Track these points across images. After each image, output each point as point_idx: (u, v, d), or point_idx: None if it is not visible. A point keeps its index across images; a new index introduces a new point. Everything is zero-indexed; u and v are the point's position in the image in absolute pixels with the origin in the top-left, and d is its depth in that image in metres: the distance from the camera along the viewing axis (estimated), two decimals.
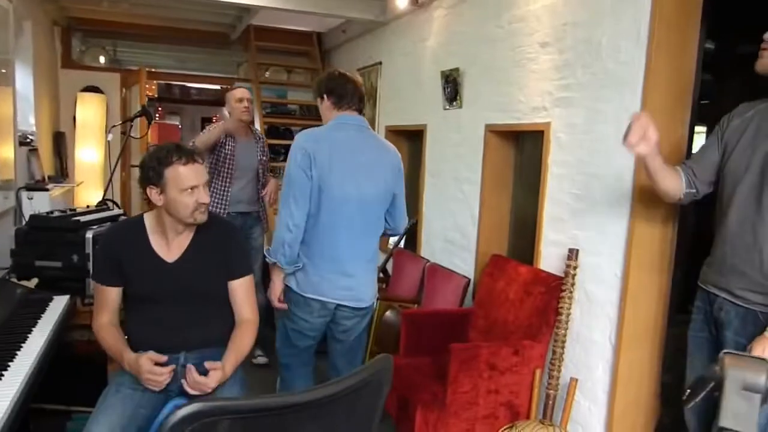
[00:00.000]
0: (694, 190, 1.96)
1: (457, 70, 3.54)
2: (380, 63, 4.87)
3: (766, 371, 1.02)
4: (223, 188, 3.61)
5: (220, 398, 0.79)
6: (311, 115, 6.20)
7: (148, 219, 2.03)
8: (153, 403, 1.90)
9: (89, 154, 4.94)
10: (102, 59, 6.31)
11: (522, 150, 3.35)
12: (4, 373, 1.70)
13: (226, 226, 2.14)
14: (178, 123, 12.80)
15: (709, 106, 3.67)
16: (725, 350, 1.14)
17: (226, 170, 3.59)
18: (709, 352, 1.95)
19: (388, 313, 3.64)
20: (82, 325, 2.61)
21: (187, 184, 1.86)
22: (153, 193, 1.91)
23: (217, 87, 9.18)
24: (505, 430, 2.46)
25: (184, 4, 4.94)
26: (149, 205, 2.04)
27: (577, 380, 2.49)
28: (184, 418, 0.79)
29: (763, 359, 1.07)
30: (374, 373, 1.05)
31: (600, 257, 2.46)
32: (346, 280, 2.30)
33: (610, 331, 2.39)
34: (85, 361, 2.94)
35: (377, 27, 4.88)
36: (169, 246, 1.99)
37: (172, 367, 1.88)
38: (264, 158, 3.80)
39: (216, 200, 3.58)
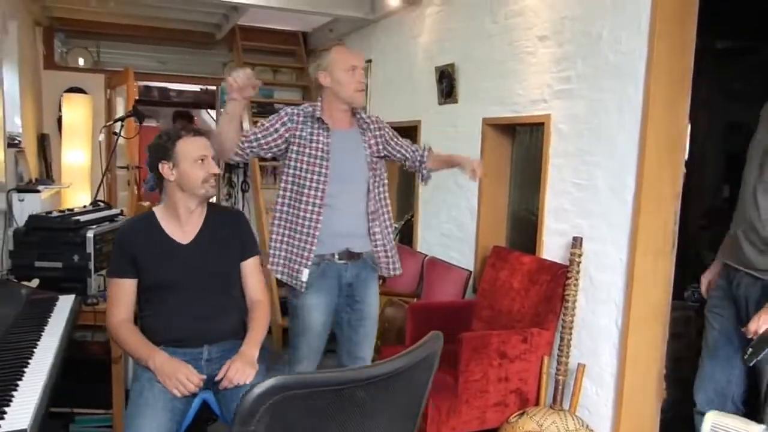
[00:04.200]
0: None
1: (452, 65, 3.58)
2: (370, 61, 4.89)
3: None
4: (305, 212, 2.25)
5: (299, 373, 0.81)
6: None
7: (159, 210, 2.08)
8: (185, 397, 1.90)
9: (76, 156, 4.87)
10: (81, 61, 6.22)
11: (518, 143, 3.40)
12: (25, 370, 1.68)
13: (231, 210, 2.26)
14: (157, 125, 12.69)
15: None
16: None
17: (311, 179, 2.25)
18: (723, 326, 2.10)
19: (388, 308, 3.66)
20: (83, 325, 2.59)
21: (198, 154, 1.95)
22: (165, 168, 1.97)
23: (197, 88, 9.17)
24: (515, 417, 2.50)
25: (170, 3, 4.90)
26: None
27: (584, 366, 2.54)
28: (268, 390, 0.80)
29: None
30: (430, 349, 1.07)
31: (604, 244, 2.51)
32: None
33: (617, 315, 2.44)
34: (87, 363, 2.92)
35: (366, 25, 4.90)
36: (183, 229, 2.03)
37: (203, 377, 1.89)
38: (376, 160, 2.39)
39: (292, 238, 2.29)
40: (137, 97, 9.36)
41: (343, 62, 2.26)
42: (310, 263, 2.25)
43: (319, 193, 2.25)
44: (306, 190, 2.26)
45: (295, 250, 2.28)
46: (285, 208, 2.32)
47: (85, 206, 3.34)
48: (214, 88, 6.39)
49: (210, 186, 1.98)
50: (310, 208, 2.25)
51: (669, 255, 2.40)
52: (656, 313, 2.41)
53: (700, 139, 4.25)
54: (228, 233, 2.07)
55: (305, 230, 2.26)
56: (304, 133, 2.27)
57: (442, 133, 3.77)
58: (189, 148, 1.94)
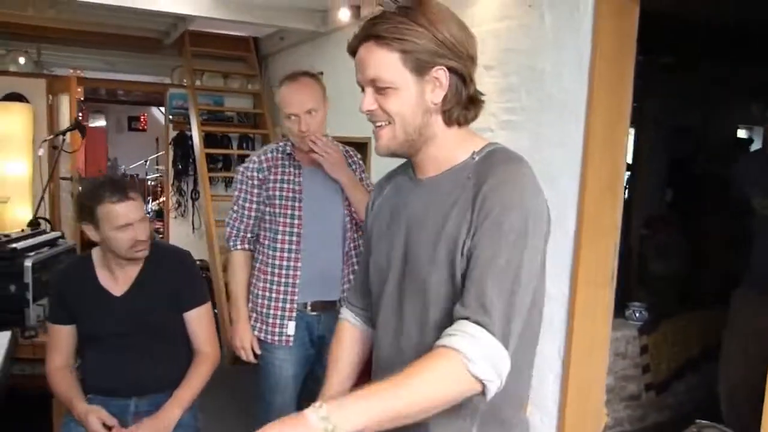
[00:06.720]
0: (368, 327, 1.39)
1: None
2: (321, 73, 4.84)
3: None
4: (282, 259, 2.15)
5: None
6: (249, 123, 6.11)
7: (96, 254, 2.00)
8: None
9: (16, 167, 4.67)
10: (22, 60, 5.94)
11: None
12: None
13: (176, 253, 2.11)
14: (103, 123, 12.26)
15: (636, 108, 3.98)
16: None
17: (283, 223, 2.15)
18: None
19: None
20: (21, 358, 2.50)
21: (121, 222, 1.83)
22: (88, 229, 1.88)
23: (147, 80, 8.85)
24: None
25: (115, 12, 4.74)
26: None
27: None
28: None
29: None
30: None
31: (547, 276, 2.56)
32: None
33: (559, 345, 2.51)
34: (26, 398, 2.81)
35: (317, 36, 4.85)
36: (117, 280, 1.96)
37: (114, 421, 1.86)
38: (348, 207, 2.21)
39: (271, 290, 2.17)
40: (82, 98, 9.05)
41: (284, 107, 2.13)
42: (294, 315, 2.15)
43: (295, 238, 2.14)
44: (281, 236, 2.14)
45: (275, 304, 2.17)
46: (262, 258, 2.20)
47: (23, 230, 3.22)
48: (162, 92, 6.21)
49: (138, 251, 1.88)
50: (286, 255, 2.15)
51: (609, 286, 2.48)
52: (597, 343, 2.48)
53: (644, 144, 4.44)
54: (167, 283, 1.97)
55: (284, 279, 2.16)
56: (275, 176, 2.17)
57: None
58: (112, 215, 1.82)
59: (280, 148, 2.23)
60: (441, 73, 1.11)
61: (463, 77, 1.13)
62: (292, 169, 2.19)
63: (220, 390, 2.10)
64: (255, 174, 2.18)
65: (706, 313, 3.61)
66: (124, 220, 1.83)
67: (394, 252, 1.21)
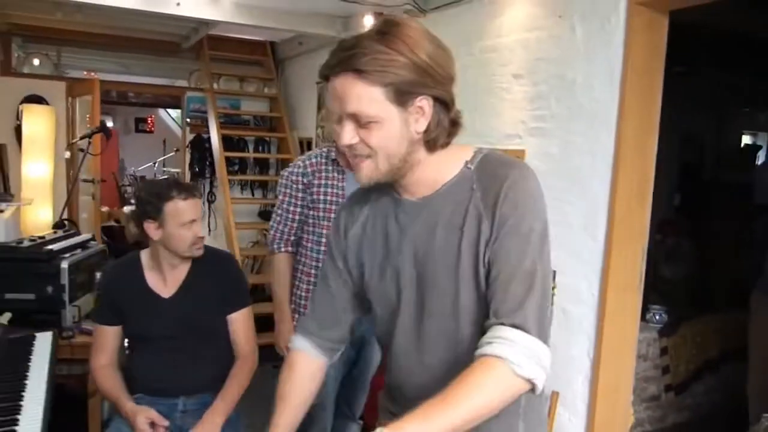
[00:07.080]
0: (326, 358, 1.34)
1: None
2: None
3: None
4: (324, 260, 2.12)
5: None
6: (265, 126, 6.17)
7: (144, 256, 2.06)
8: None
9: (38, 169, 4.71)
10: (36, 61, 6.00)
11: None
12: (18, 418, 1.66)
13: (222, 257, 2.17)
14: (110, 125, 12.31)
15: None
16: None
17: (327, 227, 2.19)
18: None
19: None
20: (59, 359, 2.55)
21: (187, 219, 1.92)
22: (150, 227, 1.93)
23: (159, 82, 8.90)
24: None
25: (138, 16, 4.81)
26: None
27: (558, 393, 2.66)
28: None
29: None
30: None
31: (576, 278, 2.63)
32: None
33: (588, 347, 2.57)
34: (64, 398, 2.86)
35: (337, 42, 4.90)
36: (165, 281, 2.02)
37: (165, 423, 1.91)
38: None
39: (314, 284, 2.19)
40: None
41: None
42: None
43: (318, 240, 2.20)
44: (324, 239, 2.19)
45: None
46: (306, 260, 2.26)
47: (55, 231, 3.27)
48: (179, 95, 6.28)
49: (197, 248, 1.95)
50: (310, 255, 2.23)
51: (637, 290, 2.54)
52: (626, 345, 2.55)
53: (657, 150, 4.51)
54: (213, 285, 2.03)
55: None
56: (318, 180, 2.22)
57: None
58: (179, 211, 1.89)
59: (324, 153, 2.27)
60: (425, 102, 1.08)
61: (445, 103, 1.11)
62: (335, 174, 2.23)
63: (249, 389, 2.15)
64: (300, 178, 2.23)
65: (724, 316, 3.69)
66: (190, 216, 1.91)
67: (403, 279, 1.18)
